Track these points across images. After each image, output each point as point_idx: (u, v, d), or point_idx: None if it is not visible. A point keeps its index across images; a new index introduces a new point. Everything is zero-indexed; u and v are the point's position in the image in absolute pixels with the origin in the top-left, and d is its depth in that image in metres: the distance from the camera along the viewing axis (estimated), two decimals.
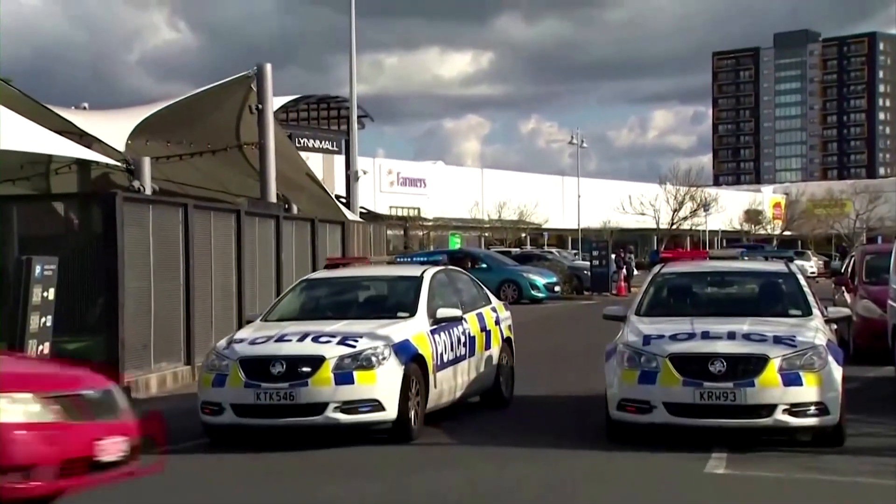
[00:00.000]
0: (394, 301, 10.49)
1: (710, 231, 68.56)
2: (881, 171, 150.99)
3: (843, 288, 16.85)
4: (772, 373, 8.49)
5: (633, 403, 8.75)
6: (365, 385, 8.89)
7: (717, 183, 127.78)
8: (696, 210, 63.09)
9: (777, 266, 10.82)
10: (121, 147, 17.48)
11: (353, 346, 9.04)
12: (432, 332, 9.81)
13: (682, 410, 8.57)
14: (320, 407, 8.83)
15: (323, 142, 44.39)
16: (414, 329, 9.65)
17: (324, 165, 43.58)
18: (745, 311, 9.77)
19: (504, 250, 42.62)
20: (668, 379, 8.60)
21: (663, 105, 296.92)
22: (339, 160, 42.37)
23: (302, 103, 40.25)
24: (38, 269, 10.73)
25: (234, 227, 15.30)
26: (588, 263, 35.48)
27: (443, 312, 9.99)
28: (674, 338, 8.92)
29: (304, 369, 8.87)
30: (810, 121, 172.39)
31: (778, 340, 8.75)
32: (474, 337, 10.63)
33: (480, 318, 10.95)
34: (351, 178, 29.07)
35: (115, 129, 18.35)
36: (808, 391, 8.50)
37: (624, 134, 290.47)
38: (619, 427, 8.96)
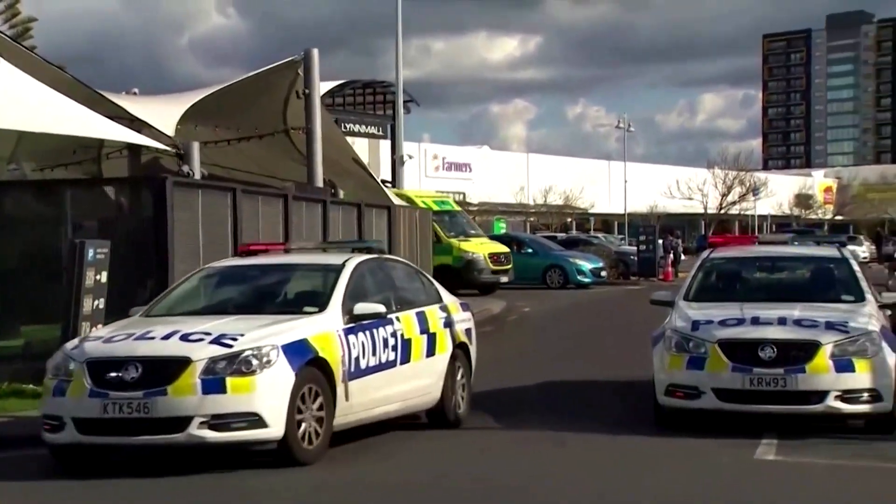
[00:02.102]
0: (303, 294, 8.83)
1: (759, 216, 67.68)
2: None
3: None
4: (822, 359, 8.41)
5: (681, 389, 8.71)
6: (240, 395, 7.26)
7: (766, 167, 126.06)
8: (744, 194, 62.31)
9: (829, 251, 10.67)
10: (170, 132, 17.65)
11: (230, 347, 7.41)
12: (347, 331, 8.10)
13: (732, 396, 8.51)
14: (183, 422, 7.20)
15: (369, 126, 44.44)
16: (318, 327, 7.95)
17: (370, 150, 43.72)
18: (795, 297, 9.64)
19: (550, 235, 42.47)
20: (716, 364, 8.55)
21: (713, 88, 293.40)
22: (385, 145, 42.45)
23: (348, 88, 40.36)
24: (90, 253, 10.89)
25: (281, 212, 15.39)
26: (634, 248, 35.25)
27: (361, 308, 8.28)
28: (723, 323, 8.85)
29: (164, 374, 7.27)
30: (863, 104, 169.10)
31: (830, 326, 8.66)
32: (409, 340, 8.78)
33: (421, 317, 9.06)
34: (396, 163, 29.14)
35: (165, 114, 18.54)
36: (860, 378, 8.41)
37: (672, 118, 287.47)
38: (667, 413, 8.91)
